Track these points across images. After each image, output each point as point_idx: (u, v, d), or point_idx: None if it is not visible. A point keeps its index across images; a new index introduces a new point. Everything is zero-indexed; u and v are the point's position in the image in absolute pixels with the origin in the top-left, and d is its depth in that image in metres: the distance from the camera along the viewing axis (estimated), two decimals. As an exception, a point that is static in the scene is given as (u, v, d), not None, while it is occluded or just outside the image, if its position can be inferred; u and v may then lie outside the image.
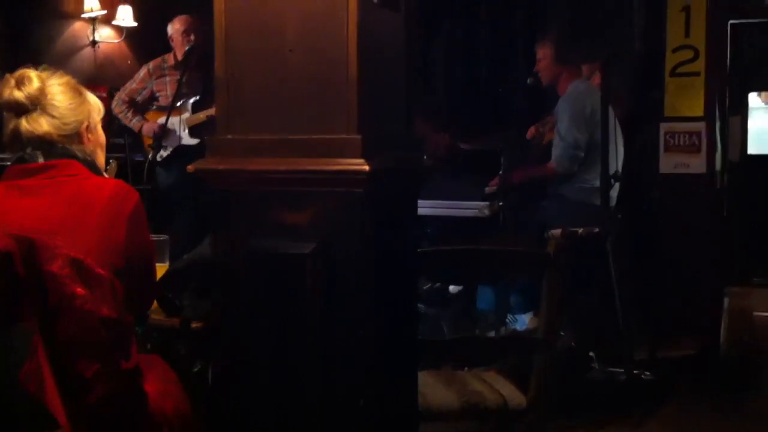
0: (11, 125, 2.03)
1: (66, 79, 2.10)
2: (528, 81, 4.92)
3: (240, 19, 1.87)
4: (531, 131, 5.04)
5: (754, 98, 7.13)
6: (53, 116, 2.04)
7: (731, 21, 5.10)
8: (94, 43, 6.21)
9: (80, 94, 2.11)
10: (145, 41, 6.19)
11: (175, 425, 2.00)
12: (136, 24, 6.22)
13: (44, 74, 2.07)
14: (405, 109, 2.10)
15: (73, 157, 2.02)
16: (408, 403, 2.12)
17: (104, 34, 6.28)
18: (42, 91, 2.03)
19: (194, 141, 5.09)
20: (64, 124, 2.05)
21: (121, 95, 5.40)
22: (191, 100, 5.21)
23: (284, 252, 1.78)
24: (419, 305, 3.74)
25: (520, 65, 5.75)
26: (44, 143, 2.02)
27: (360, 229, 1.80)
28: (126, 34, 6.32)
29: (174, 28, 5.28)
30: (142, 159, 5.45)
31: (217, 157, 1.86)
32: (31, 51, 5.69)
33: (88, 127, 2.11)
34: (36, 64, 2.13)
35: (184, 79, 5.02)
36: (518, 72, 5.79)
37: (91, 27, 6.18)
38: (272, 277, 1.79)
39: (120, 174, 2.64)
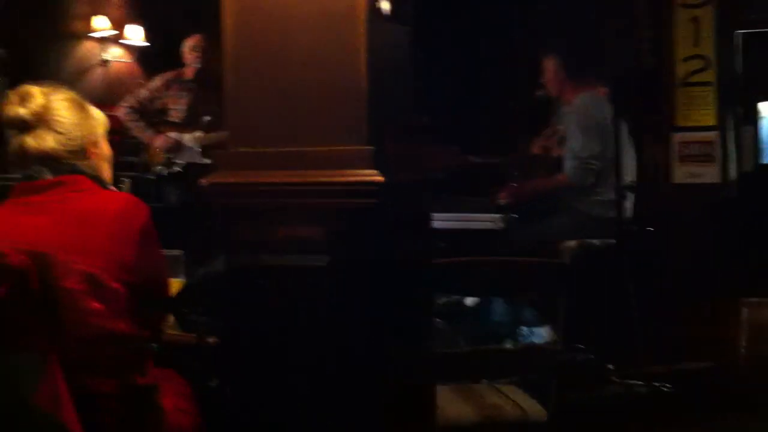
0: (15, 142, 2.00)
1: (69, 94, 2.08)
2: (537, 92, 4.90)
3: (248, 33, 1.86)
4: (537, 147, 5.00)
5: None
6: (58, 132, 2.02)
7: (740, 31, 5.08)
8: (104, 62, 6.24)
9: (84, 109, 2.09)
10: (156, 60, 6.20)
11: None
12: (147, 44, 6.24)
13: (47, 90, 2.04)
14: (409, 122, 2.09)
15: (81, 172, 2.01)
16: (425, 418, 2.09)
17: (115, 54, 6.31)
18: (46, 107, 2.01)
19: (206, 161, 5.06)
20: (70, 139, 2.03)
21: (129, 101, 5.26)
22: (205, 119, 5.20)
23: (300, 265, 1.77)
24: (435, 319, 3.71)
25: (526, 77, 5.72)
26: (51, 159, 2.00)
27: (373, 241, 1.78)
28: (137, 53, 6.35)
29: (187, 45, 5.28)
30: (153, 177, 5.44)
31: (228, 171, 1.85)
32: (42, 71, 5.70)
33: (93, 141, 2.10)
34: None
35: (199, 96, 5.03)
36: (524, 84, 5.77)
37: (101, 46, 6.21)
38: (286, 290, 1.78)
39: (133, 192, 2.62)
